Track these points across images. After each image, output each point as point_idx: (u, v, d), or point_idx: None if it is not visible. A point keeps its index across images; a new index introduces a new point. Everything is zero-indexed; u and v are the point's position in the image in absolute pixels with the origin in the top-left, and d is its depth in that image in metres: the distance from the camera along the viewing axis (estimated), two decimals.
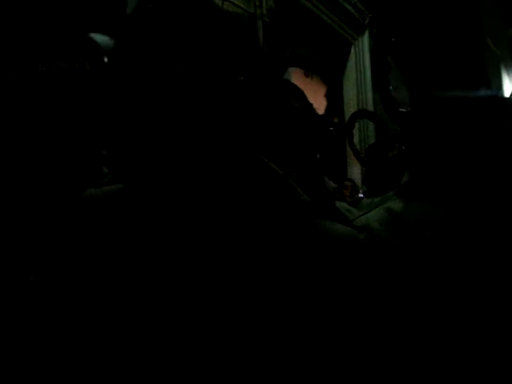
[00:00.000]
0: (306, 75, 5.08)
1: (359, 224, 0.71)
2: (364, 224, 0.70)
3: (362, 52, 5.78)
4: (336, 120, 4.88)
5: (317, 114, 1.18)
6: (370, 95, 5.69)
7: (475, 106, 0.66)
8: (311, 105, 1.23)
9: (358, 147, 3.47)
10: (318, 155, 1.10)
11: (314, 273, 0.55)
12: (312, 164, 1.05)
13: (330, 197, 1.09)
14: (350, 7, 5.29)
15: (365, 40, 5.74)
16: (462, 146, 0.66)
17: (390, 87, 0.74)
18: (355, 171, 5.29)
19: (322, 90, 5.18)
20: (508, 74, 0.71)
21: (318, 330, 0.60)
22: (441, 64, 0.68)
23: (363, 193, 2.99)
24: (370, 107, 5.67)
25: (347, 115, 5.64)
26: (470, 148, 0.65)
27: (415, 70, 0.71)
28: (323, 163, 1.12)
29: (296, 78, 4.54)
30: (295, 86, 1.19)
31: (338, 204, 1.17)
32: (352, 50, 5.79)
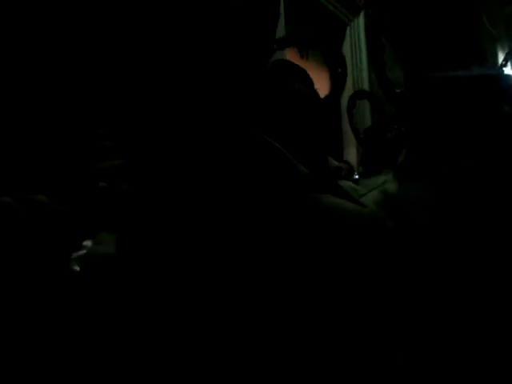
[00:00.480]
0: (301, 56, 5.05)
1: None
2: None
3: (357, 33, 5.74)
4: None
5: (318, 96, 1.16)
6: (365, 76, 5.67)
7: (469, 86, 0.66)
8: (313, 85, 1.22)
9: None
10: (321, 134, 1.09)
11: (315, 251, 0.54)
12: (315, 142, 1.04)
13: (332, 174, 1.09)
14: None
15: (360, 21, 5.70)
16: (456, 125, 0.66)
17: (386, 68, 0.74)
18: (351, 153, 5.28)
19: (318, 71, 5.15)
20: (503, 53, 0.70)
21: (320, 319, 0.60)
22: (436, 44, 0.68)
23: (359, 174, 2.99)
24: (366, 88, 5.64)
25: (343, 96, 5.62)
26: (463, 128, 0.65)
27: (410, 50, 0.70)
28: (326, 142, 1.11)
29: (291, 58, 4.50)
30: (297, 66, 1.18)
31: (344, 183, 1.17)
32: (347, 31, 5.75)
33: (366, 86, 5.66)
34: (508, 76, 0.69)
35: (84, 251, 0.52)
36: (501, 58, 0.69)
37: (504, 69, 0.70)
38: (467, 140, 0.65)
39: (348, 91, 5.59)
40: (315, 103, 1.08)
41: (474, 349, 0.60)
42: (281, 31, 4.16)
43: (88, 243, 0.53)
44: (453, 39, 0.68)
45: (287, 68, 1.25)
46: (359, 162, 2.81)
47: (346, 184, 1.20)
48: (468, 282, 0.61)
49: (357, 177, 3.67)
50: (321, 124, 1.06)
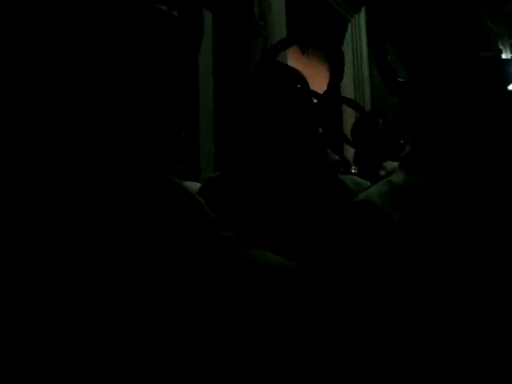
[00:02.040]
0: (303, 53, 5.04)
1: (361, 198, 0.72)
2: (366, 198, 0.71)
3: (358, 29, 5.73)
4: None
5: (311, 98, 1.16)
6: (366, 72, 5.66)
7: (472, 72, 0.65)
8: (306, 84, 1.22)
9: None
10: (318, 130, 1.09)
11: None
12: (313, 139, 1.04)
13: (332, 170, 1.09)
14: None
15: (361, 16, 5.68)
16: (461, 113, 0.65)
17: (388, 57, 0.73)
18: (351, 149, 5.28)
19: (320, 67, 5.13)
20: (505, 51, 0.71)
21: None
22: (437, 34, 0.68)
23: (355, 172, 3.00)
24: (367, 83, 5.64)
25: (343, 90, 5.61)
26: (468, 115, 0.65)
27: (411, 42, 0.70)
28: (323, 137, 1.11)
29: (292, 55, 4.49)
30: (292, 69, 1.18)
31: (346, 177, 1.17)
32: (349, 26, 5.73)
33: (366, 81, 5.65)
34: (509, 60, 0.69)
35: None
36: (503, 55, 0.70)
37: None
38: (472, 127, 0.65)
39: (349, 86, 5.59)
40: (300, 102, 1.08)
41: (476, 348, 0.60)
42: (283, 27, 4.15)
43: None
44: (454, 31, 0.68)
45: (277, 69, 1.25)
46: (353, 161, 2.81)
47: (348, 178, 1.20)
48: (474, 275, 0.61)
49: (353, 171, 3.68)
50: (312, 121, 1.06)
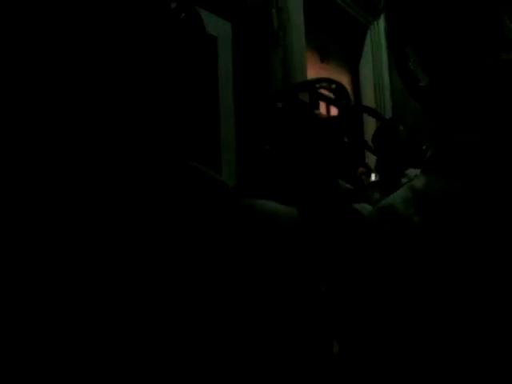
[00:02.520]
0: (322, 60, 5.05)
1: (384, 204, 0.73)
2: (389, 203, 0.72)
3: (377, 35, 5.72)
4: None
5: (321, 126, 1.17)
6: (386, 78, 5.63)
7: (492, 75, 0.65)
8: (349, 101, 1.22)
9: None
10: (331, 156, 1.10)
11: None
12: (324, 170, 1.05)
13: (344, 199, 1.10)
14: None
15: (380, 23, 5.67)
16: (482, 116, 0.65)
17: (409, 63, 0.73)
18: (373, 157, 5.25)
19: (339, 75, 5.14)
20: None
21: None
22: (457, 38, 0.68)
23: (377, 181, 2.98)
24: (387, 90, 5.61)
25: (364, 99, 5.59)
26: (491, 119, 0.64)
27: (431, 46, 0.70)
28: (335, 168, 1.12)
29: (311, 63, 4.51)
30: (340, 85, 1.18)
31: (361, 206, 1.17)
32: (368, 33, 5.73)
33: (386, 87, 5.62)
34: None
35: None
36: None
37: None
38: (493, 130, 0.65)
39: (370, 93, 5.58)
40: (317, 133, 1.09)
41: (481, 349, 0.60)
42: (302, 37, 4.17)
43: None
44: (474, 34, 0.67)
45: (322, 83, 1.25)
46: (375, 168, 2.79)
47: (364, 207, 1.20)
48: (495, 276, 0.60)
49: (373, 179, 3.67)
50: (324, 153, 1.07)
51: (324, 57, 5.08)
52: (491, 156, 0.65)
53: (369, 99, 5.56)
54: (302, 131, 1.06)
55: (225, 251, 0.56)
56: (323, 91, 1.51)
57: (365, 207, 1.20)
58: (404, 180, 2.26)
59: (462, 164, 0.66)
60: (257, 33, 3.40)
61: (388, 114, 5.40)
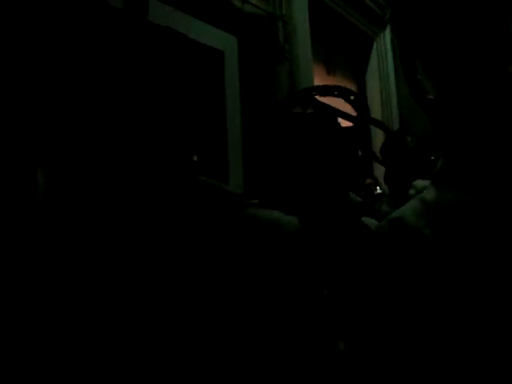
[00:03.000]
0: (328, 72, 5.06)
1: (394, 215, 0.73)
2: (399, 215, 0.72)
3: (384, 47, 5.73)
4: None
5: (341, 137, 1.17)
6: (393, 90, 5.64)
7: (501, 90, 0.65)
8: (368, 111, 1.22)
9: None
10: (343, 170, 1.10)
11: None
12: (337, 182, 1.05)
13: (354, 212, 1.09)
14: (371, 3, 5.25)
15: (386, 35, 5.69)
16: (492, 130, 0.65)
17: (418, 76, 0.73)
18: (382, 168, 5.25)
19: (344, 83, 5.14)
20: None
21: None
22: (465, 52, 0.68)
23: (386, 193, 2.98)
24: (394, 102, 5.61)
25: (371, 110, 5.59)
26: (499, 132, 0.64)
27: (439, 59, 0.70)
28: (347, 180, 1.12)
29: (318, 75, 4.52)
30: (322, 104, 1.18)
31: (368, 220, 1.17)
32: (374, 45, 5.75)
33: (393, 99, 5.63)
34: None
35: None
36: None
37: None
38: (502, 142, 0.65)
39: (377, 104, 5.58)
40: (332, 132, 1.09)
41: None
42: (308, 50, 4.19)
43: None
44: (481, 46, 0.67)
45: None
46: (383, 180, 2.80)
47: (370, 221, 1.20)
48: (506, 289, 0.60)
49: (379, 191, 3.67)
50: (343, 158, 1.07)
51: (330, 69, 5.10)
52: (502, 168, 0.65)
53: (376, 111, 5.56)
54: (325, 138, 1.04)
55: (228, 258, 0.59)
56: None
57: (372, 223, 1.20)
58: (411, 191, 2.26)
59: (473, 176, 0.66)
60: (263, 46, 3.42)
61: (395, 126, 5.40)
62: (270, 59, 3.48)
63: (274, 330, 0.58)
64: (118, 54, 0.61)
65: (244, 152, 3.12)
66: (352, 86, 5.47)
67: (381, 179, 4.03)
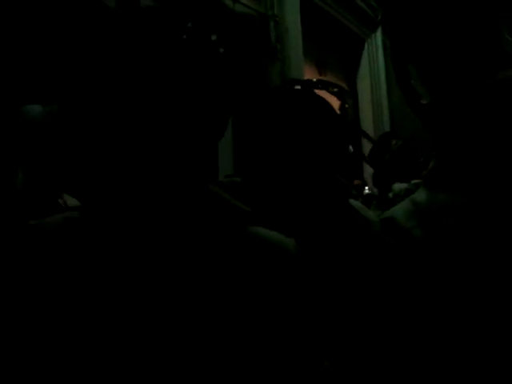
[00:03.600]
0: (320, 73, 5.08)
1: (386, 215, 0.75)
2: (391, 215, 0.74)
3: (375, 48, 5.76)
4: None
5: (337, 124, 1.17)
6: (384, 90, 5.67)
7: (492, 95, 0.66)
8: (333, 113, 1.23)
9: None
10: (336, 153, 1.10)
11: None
12: (327, 163, 1.05)
13: (343, 194, 1.10)
14: (362, 4, 5.27)
15: (378, 36, 5.72)
16: (484, 133, 0.66)
17: (412, 81, 0.74)
18: (370, 169, 5.27)
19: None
20: None
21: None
22: (456, 55, 0.68)
23: (374, 194, 3.02)
24: (385, 102, 5.64)
25: (362, 111, 5.62)
26: (491, 135, 0.65)
27: (431, 64, 0.71)
28: (338, 162, 1.12)
29: (309, 76, 4.53)
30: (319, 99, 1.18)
31: (354, 202, 1.18)
32: (365, 46, 5.77)
33: (384, 99, 5.66)
34: None
35: None
36: None
37: None
38: (493, 145, 0.66)
39: (368, 107, 5.61)
40: (332, 121, 1.09)
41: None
42: (299, 50, 4.20)
43: None
44: (473, 52, 0.68)
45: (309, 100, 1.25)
46: (372, 182, 2.87)
47: (355, 203, 1.22)
48: (496, 288, 0.61)
49: (367, 191, 3.72)
50: (333, 144, 1.07)
51: (322, 69, 5.11)
52: (492, 170, 0.65)
53: (366, 110, 5.59)
54: (322, 130, 1.04)
55: (230, 275, 0.60)
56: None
57: (359, 205, 1.21)
58: (390, 194, 2.30)
59: (463, 178, 0.67)
60: (255, 46, 3.42)
61: (386, 125, 5.43)
62: (262, 59, 3.48)
63: (264, 345, 0.60)
64: (111, 52, 0.61)
65: (235, 151, 3.12)
66: (343, 87, 5.48)
67: (369, 180, 4.07)
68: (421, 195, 0.72)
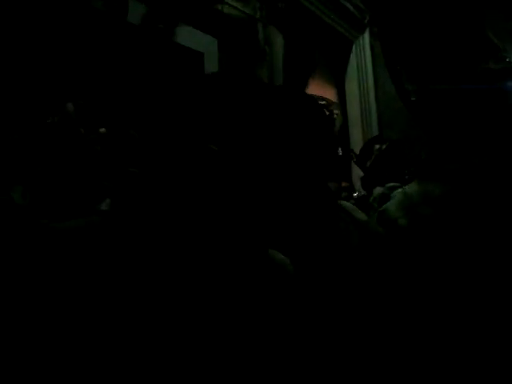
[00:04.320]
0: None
1: (383, 207, 0.79)
2: (385, 207, 0.78)
3: (363, 50, 5.78)
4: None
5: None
6: (372, 92, 5.69)
7: (477, 95, 0.68)
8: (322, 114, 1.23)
9: None
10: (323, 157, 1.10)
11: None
12: (315, 165, 1.06)
13: (332, 196, 1.11)
14: (350, 6, 5.29)
15: (365, 38, 5.74)
16: (466, 130, 0.68)
17: (403, 79, 0.76)
18: (360, 173, 5.29)
19: (325, 89, 5.18)
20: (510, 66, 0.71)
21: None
22: (441, 56, 0.69)
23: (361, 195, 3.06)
24: (373, 103, 5.66)
25: (350, 113, 5.64)
26: (473, 132, 0.67)
27: (418, 66, 0.72)
28: (327, 164, 1.12)
29: None
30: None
31: (344, 203, 1.19)
32: (353, 48, 5.79)
33: (372, 101, 5.68)
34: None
35: None
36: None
37: None
38: (482, 136, 0.68)
39: (356, 107, 5.63)
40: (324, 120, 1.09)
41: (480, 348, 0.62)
42: (280, 51, 4.20)
43: None
44: (459, 45, 0.69)
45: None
46: (361, 185, 2.91)
47: (346, 204, 1.23)
48: (475, 279, 0.62)
49: (355, 195, 3.75)
50: (323, 147, 1.08)
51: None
52: (478, 161, 0.67)
53: (355, 112, 5.61)
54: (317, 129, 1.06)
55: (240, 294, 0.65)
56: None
57: (348, 205, 1.22)
58: (371, 199, 2.33)
59: (450, 168, 0.69)
60: (243, 48, 3.42)
61: (374, 127, 5.45)
62: (250, 61, 3.48)
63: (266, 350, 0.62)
64: (96, 56, 0.62)
65: None
66: (331, 89, 5.51)
67: (357, 183, 4.10)
68: (412, 187, 0.75)
